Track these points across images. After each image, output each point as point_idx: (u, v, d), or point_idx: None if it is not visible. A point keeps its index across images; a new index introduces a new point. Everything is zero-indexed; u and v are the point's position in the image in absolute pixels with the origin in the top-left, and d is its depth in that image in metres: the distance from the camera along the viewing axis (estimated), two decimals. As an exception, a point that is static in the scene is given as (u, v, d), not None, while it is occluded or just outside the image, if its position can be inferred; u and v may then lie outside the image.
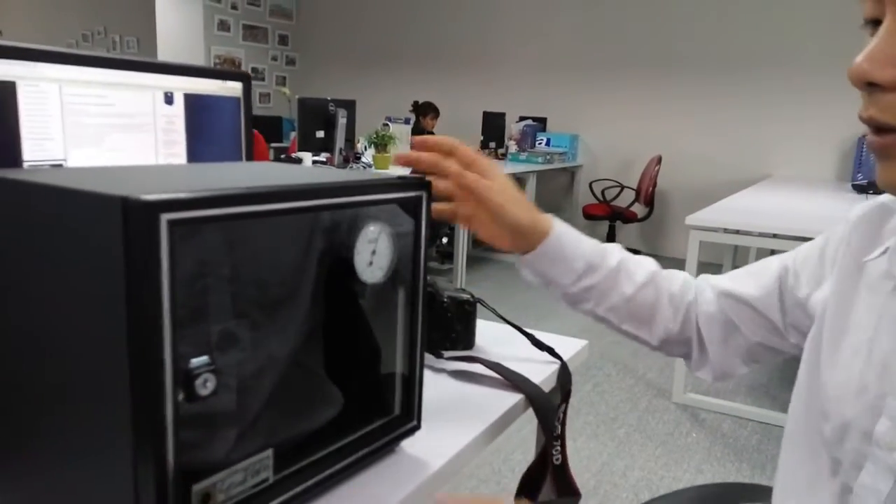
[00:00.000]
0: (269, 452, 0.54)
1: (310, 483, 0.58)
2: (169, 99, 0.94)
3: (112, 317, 0.42)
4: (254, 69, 7.18)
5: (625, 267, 0.84)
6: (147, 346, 0.42)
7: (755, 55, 5.26)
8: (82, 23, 8.66)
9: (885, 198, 0.64)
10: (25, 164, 0.77)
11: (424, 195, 0.64)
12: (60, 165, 0.81)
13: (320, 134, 4.16)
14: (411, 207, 0.63)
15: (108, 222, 0.41)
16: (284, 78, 7.61)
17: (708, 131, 5.61)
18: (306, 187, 0.53)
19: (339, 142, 4.12)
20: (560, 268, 0.82)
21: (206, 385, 0.46)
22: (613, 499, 2.16)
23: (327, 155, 4.20)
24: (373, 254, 0.61)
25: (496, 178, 0.80)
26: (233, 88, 1.03)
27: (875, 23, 0.49)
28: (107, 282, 0.42)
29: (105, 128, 0.86)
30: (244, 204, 0.47)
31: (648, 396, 2.94)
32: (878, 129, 0.49)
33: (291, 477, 0.56)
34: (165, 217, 0.41)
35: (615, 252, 0.85)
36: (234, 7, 6.99)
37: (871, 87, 0.48)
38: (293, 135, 4.68)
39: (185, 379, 0.45)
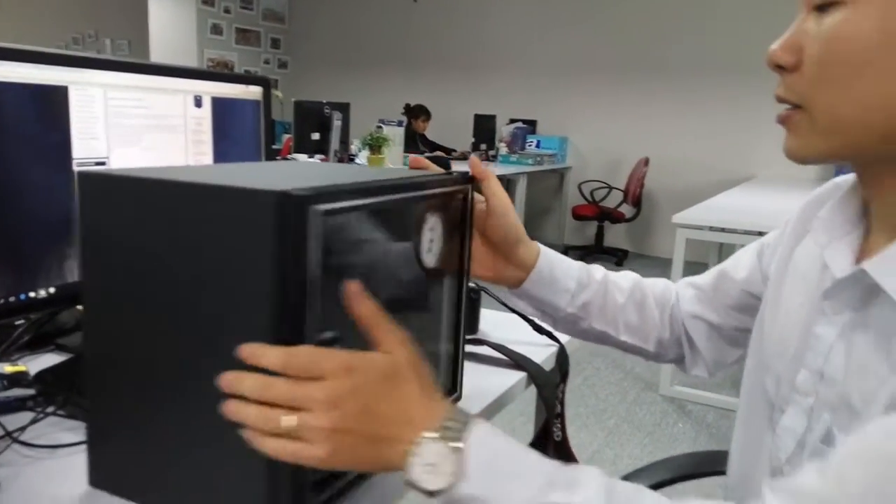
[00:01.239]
0: None
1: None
2: (198, 102, 1.02)
3: (259, 300, 0.49)
4: (246, 72, 7.24)
5: (611, 279, 0.87)
6: (291, 326, 0.49)
7: (740, 60, 5.39)
8: (73, 25, 8.67)
9: (829, 184, 0.72)
10: (75, 162, 0.85)
11: (470, 188, 0.72)
12: (104, 163, 0.89)
13: (315, 136, 4.24)
14: (460, 199, 0.72)
15: (262, 214, 0.48)
16: (277, 81, 7.68)
17: (694, 133, 5.74)
18: (404, 181, 0.61)
19: (335, 144, 4.19)
20: (554, 289, 0.83)
21: None
22: (605, 486, 2.25)
23: (322, 156, 4.27)
24: (431, 241, 0.68)
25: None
26: (254, 93, 1.11)
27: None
28: (256, 269, 0.49)
29: (142, 128, 0.94)
30: (368, 196, 0.55)
31: (636, 389, 3.03)
32: (782, 103, 0.58)
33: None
34: (314, 208, 0.48)
35: (597, 267, 0.88)
36: (226, 11, 7.05)
37: (778, 69, 0.57)
38: (285, 137, 4.75)
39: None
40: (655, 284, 0.90)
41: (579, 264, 0.86)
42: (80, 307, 0.98)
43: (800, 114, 0.56)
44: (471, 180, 0.73)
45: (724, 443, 0.77)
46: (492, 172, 0.77)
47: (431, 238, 0.68)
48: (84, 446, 0.61)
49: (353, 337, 0.52)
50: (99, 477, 0.60)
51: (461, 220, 0.73)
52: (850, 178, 0.65)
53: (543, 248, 0.84)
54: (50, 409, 0.69)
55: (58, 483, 0.62)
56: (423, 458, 0.48)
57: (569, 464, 0.51)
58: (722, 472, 0.84)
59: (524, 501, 0.48)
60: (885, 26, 0.50)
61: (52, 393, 0.71)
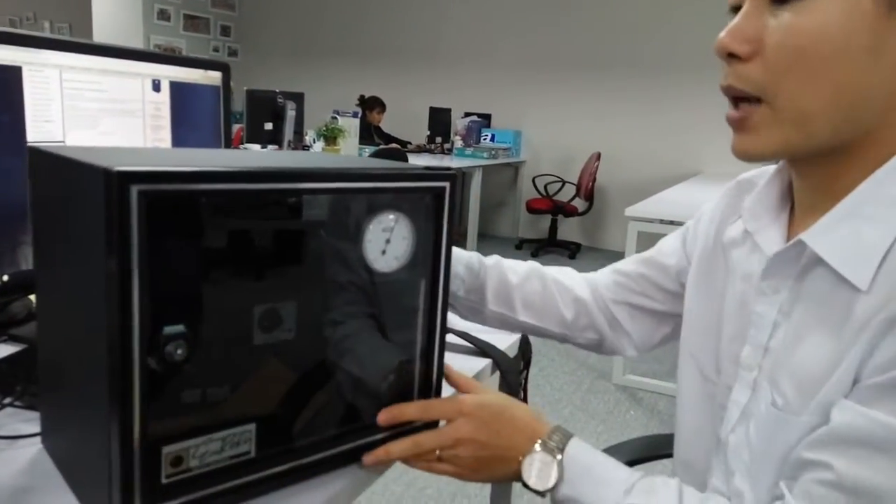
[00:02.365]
0: (252, 426, 0.56)
1: (300, 463, 0.59)
2: (156, 86, 0.99)
3: (99, 281, 0.47)
4: (195, 59, 7.05)
5: (504, 263, 0.90)
6: (119, 310, 0.46)
7: (690, 59, 5.53)
8: (9, 7, 8.28)
9: (748, 173, 0.77)
10: (29, 144, 0.82)
11: (448, 185, 0.64)
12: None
13: (268, 126, 4.16)
14: (434, 198, 0.64)
15: (99, 189, 0.45)
16: (227, 69, 7.50)
17: (644, 130, 5.87)
18: (312, 171, 0.56)
19: (288, 134, 4.13)
20: None
21: (177, 351, 0.49)
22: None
23: (275, 147, 4.20)
24: (387, 242, 0.61)
25: None
26: (213, 78, 1.09)
27: (737, 9, 0.59)
28: (98, 247, 0.46)
29: (99, 112, 0.91)
30: (229, 181, 0.50)
31: (590, 378, 3.10)
32: (735, 99, 0.58)
33: (278, 455, 0.58)
34: (137, 188, 0.45)
35: (493, 256, 0.91)
36: (174, -5, 6.85)
37: (730, 58, 0.57)
38: (236, 127, 4.65)
39: (157, 344, 0.48)
40: (559, 271, 0.92)
41: (469, 253, 0.88)
42: (32, 296, 0.96)
43: (759, 110, 0.56)
44: (443, 177, 0.65)
45: (674, 429, 0.79)
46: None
47: (387, 239, 0.61)
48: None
49: (207, 330, 0.52)
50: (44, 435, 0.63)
51: (435, 220, 0.65)
52: (769, 167, 0.69)
53: None
54: (7, 400, 0.66)
55: (18, 474, 0.60)
56: (534, 467, 0.63)
57: (643, 472, 0.63)
58: (670, 455, 0.88)
59: (610, 502, 0.60)
60: (848, 21, 0.52)
61: (8, 384, 0.69)
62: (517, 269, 0.90)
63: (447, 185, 0.64)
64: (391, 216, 0.61)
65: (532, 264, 0.92)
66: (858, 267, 0.54)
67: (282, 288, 0.57)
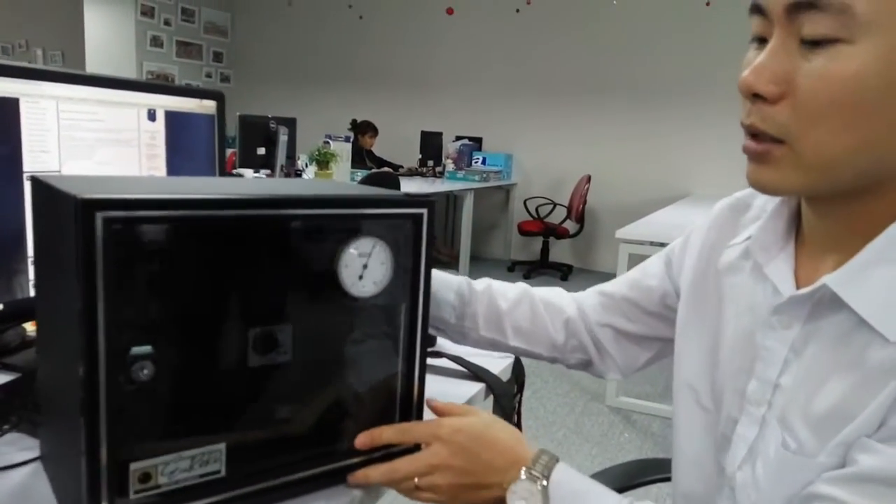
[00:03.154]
0: (222, 446, 0.57)
1: (270, 484, 0.60)
2: (152, 116, 1.01)
3: (73, 305, 0.49)
4: (188, 86, 7.10)
5: (495, 287, 0.89)
6: (88, 330, 0.48)
7: (678, 82, 5.62)
8: (1, 35, 8.33)
9: (740, 194, 0.75)
10: (25, 175, 0.83)
11: (426, 212, 0.65)
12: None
13: (261, 151, 4.18)
14: (413, 224, 0.64)
15: (70, 216, 0.48)
16: (219, 95, 7.55)
17: (634, 152, 5.93)
18: (282, 197, 0.57)
19: (280, 159, 4.15)
20: (436, 303, 0.84)
21: (143, 371, 0.51)
22: (555, 496, 2.29)
23: (267, 172, 4.22)
24: (364, 268, 0.61)
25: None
26: (208, 107, 1.10)
27: (761, 40, 0.55)
28: (72, 272, 0.49)
29: (95, 142, 0.92)
30: (189, 208, 0.52)
31: (584, 400, 3.10)
32: (755, 135, 0.56)
33: (249, 475, 0.59)
34: (101, 215, 0.47)
35: (483, 280, 0.90)
36: (167, 23, 6.91)
37: (755, 97, 0.54)
38: (229, 152, 4.67)
39: (123, 364, 0.50)
40: (548, 292, 0.92)
41: (460, 278, 0.88)
42: (25, 325, 0.96)
43: (782, 149, 0.54)
44: (421, 204, 0.65)
45: (668, 452, 0.79)
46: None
47: (364, 264, 0.62)
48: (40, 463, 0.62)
49: (174, 351, 0.54)
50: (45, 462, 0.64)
51: (413, 245, 0.66)
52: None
53: None
54: (6, 427, 0.66)
55: (14, 500, 0.60)
56: (518, 495, 0.61)
57: (632, 498, 0.61)
58: (664, 479, 0.88)
59: None
60: (889, 70, 0.49)
61: (6, 411, 0.69)
62: (507, 294, 0.90)
63: (425, 211, 0.64)
64: (369, 242, 0.61)
65: (522, 287, 0.92)
66: (888, 317, 0.52)
67: (254, 311, 0.58)
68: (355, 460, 0.66)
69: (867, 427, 0.52)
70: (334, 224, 0.60)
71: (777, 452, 0.59)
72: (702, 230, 0.79)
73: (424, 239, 0.65)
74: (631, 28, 5.82)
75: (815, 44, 0.50)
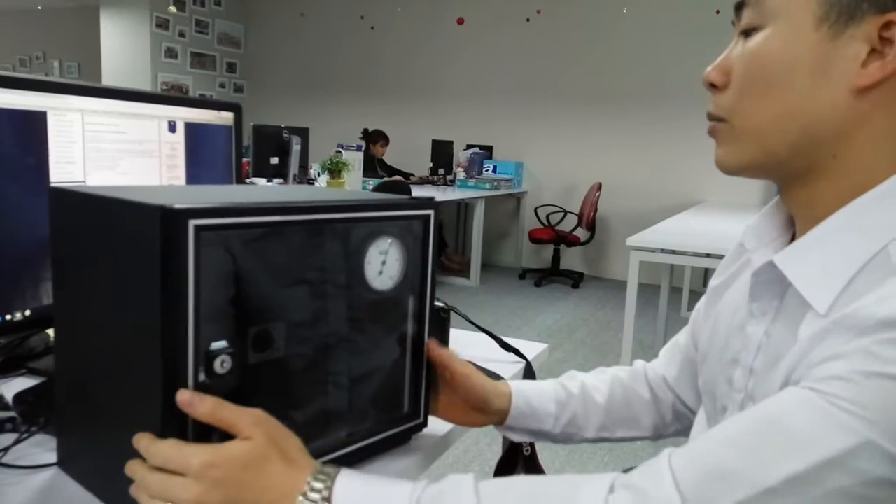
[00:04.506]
0: None
1: (325, 460, 0.64)
2: (172, 127, 1.03)
3: (151, 306, 0.52)
4: (201, 96, 7.18)
5: (587, 385, 0.87)
6: (174, 332, 0.51)
7: (689, 90, 5.62)
8: (20, 47, 8.48)
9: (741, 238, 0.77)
10: (51, 185, 0.86)
11: (433, 213, 0.72)
12: (80, 186, 0.90)
13: (274, 160, 4.23)
14: (421, 224, 0.72)
15: (150, 227, 0.51)
16: (232, 105, 7.62)
17: (645, 160, 5.93)
18: (326, 203, 0.63)
19: (294, 168, 4.20)
20: (537, 418, 0.84)
21: (223, 365, 0.54)
22: None
23: (280, 180, 4.27)
24: (383, 264, 0.68)
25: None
26: (226, 118, 1.13)
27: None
28: (148, 276, 0.52)
29: (118, 153, 0.95)
30: (265, 215, 0.57)
31: (596, 409, 3.09)
32: (710, 119, 0.66)
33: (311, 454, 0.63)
34: (193, 222, 0.51)
35: (573, 377, 0.89)
36: (181, 35, 7.00)
37: (712, 87, 0.64)
38: (243, 161, 4.72)
39: (205, 359, 0.53)
40: (634, 372, 0.91)
41: (553, 384, 0.87)
42: (50, 330, 0.99)
43: (724, 125, 0.64)
44: (427, 206, 0.72)
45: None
46: (448, 353, 0.78)
47: (383, 261, 0.69)
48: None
49: (243, 345, 0.57)
50: (63, 460, 0.66)
51: (422, 243, 0.72)
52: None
53: (514, 386, 0.84)
54: (34, 429, 0.69)
55: (45, 501, 0.62)
56: None
57: (436, 480, 0.56)
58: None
59: None
60: (789, 47, 0.58)
61: (33, 414, 0.72)
62: (601, 387, 0.88)
63: (431, 212, 0.72)
64: (386, 241, 0.68)
65: (612, 375, 0.90)
66: (822, 292, 0.56)
67: (299, 306, 0.62)
68: (409, 424, 0.75)
69: None
70: (363, 225, 0.67)
71: None
72: (721, 266, 0.81)
73: (432, 237, 0.73)
74: (641, 36, 5.84)
75: (747, 34, 0.61)
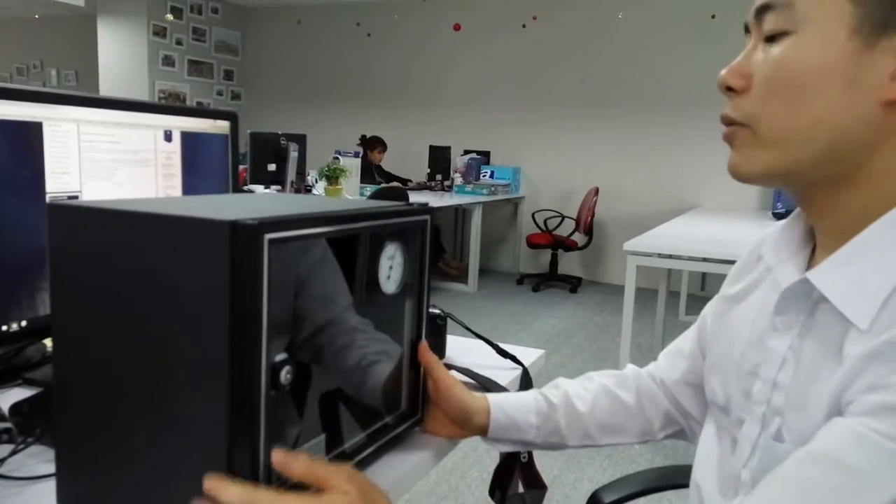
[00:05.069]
0: (323, 438, 0.64)
1: (350, 464, 0.67)
2: (168, 137, 1.04)
3: (215, 323, 0.50)
4: (199, 104, 7.20)
5: (572, 393, 0.88)
6: (247, 346, 0.51)
7: (686, 95, 5.64)
8: (17, 56, 8.49)
9: (756, 243, 0.78)
10: (48, 196, 0.86)
11: (429, 218, 0.75)
12: (76, 197, 0.90)
13: (272, 167, 4.24)
14: (419, 228, 0.75)
15: (217, 242, 0.50)
16: (229, 112, 7.63)
17: (641, 165, 5.95)
18: (360, 211, 0.64)
19: (291, 174, 4.20)
20: (519, 429, 0.85)
21: (286, 376, 0.55)
22: (565, 509, 2.29)
23: (278, 187, 4.27)
24: (390, 268, 0.71)
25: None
26: (222, 127, 1.14)
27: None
28: (211, 293, 0.51)
29: (114, 163, 0.96)
30: (323, 225, 0.58)
31: (594, 414, 3.09)
32: (728, 123, 0.63)
33: (337, 457, 0.66)
34: (267, 236, 0.51)
35: (557, 386, 0.90)
36: (178, 43, 7.02)
37: (729, 91, 0.62)
38: (240, 168, 4.73)
39: (272, 371, 0.54)
40: (622, 376, 0.91)
41: (534, 395, 0.88)
42: (46, 340, 0.99)
43: (745, 131, 0.61)
44: (428, 211, 0.76)
45: (680, 462, 0.81)
46: (435, 360, 0.80)
47: (391, 265, 0.71)
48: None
49: (300, 356, 0.59)
50: (66, 497, 0.61)
51: (420, 248, 0.76)
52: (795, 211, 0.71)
53: (492, 400, 0.85)
54: (30, 440, 0.69)
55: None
56: None
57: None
58: (681, 486, 0.89)
59: None
60: (823, 54, 0.56)
61: (30, 425, 0.72)
62: (584, 397, 0.88)
63: (428, 217, 0.76)
64: (393, 247, 0.71)
65: (597, 383, 0.91)
66: (861, 307, 0.55)
67: (338, 313, 0.65)
68: (409, 422, 0.78)
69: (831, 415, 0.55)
70: (379, 232, 0.70)
71: (767, 443, 0.61)
72: (739, 260, 0.81)
73: (428, 240, 0.77)
74: (637, 41, 5.86)
75: (771, 39, 0.59)
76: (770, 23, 0.59)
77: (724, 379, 0.73)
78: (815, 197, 0.62)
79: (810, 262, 0.66)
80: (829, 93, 0.56)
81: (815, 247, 0.67)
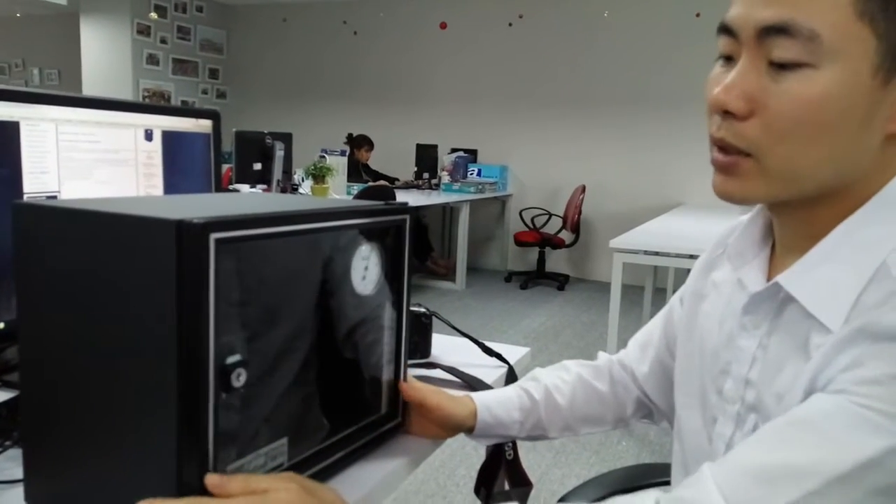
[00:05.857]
0: (285, 440, 0.62)
1: (318, 467, 0.67)
2: (148, 136, 1.03)
3: (162, 322, 0.50)
4: (184, 102, 7.14)
5: (550, 387, 0.91)
6: (194, 348, 0.50)
7: (671, 95, 5.67)
8: (-2, 54, 8.38)
9: (719, 238, 0.79)
10: (25, 196, 0.85)
11: (408, 218, 0.74)
12: (55, 197, 0.89)
13: (257, 166, 4.21)
14: (397, 228, 0.74)
15: (163, 242, 0.49)
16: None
17: (627, 162, 5.97)
18: (319, 210, 0.63)
19: (277, 173, 4.18)
20: (504, 426, 0.88)
21: (238, 378, 0.54)
22: (553, 506, 2.29)
23: (264, 186, 4.25)
24: (365, 269, 0.70)
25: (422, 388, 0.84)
26: (204, 126, 1.13)
27: (728, 59, 0.59)
28: (159, 292, 0.50)
29: (93, 162, 0.94)
30: (274, 225, 0.57)
31: (582, 411, 3.10)
32: (723, 148, 0.59)
33: (303, 462, 0.65)
34: (214, 236, 0.50)
35: (538, 380, 0.92)
36: (163, 41, 6.95)
37: (726, 114, 0.57)
38: (225, 167, 4.70)
39: (222, 373, 0.53)
40: (598, 369, 0.94)
41: (516, 391, 0.89)
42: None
43: (749, 161, 0.57)
44: (407, 211, 0.75)
45: (667, 457, 0.81)
46: (420, 391, 0.82)
47: (366, 266, 0.70)
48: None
49: (259, 361, 0.57)
50: (33, 498, 0.62)
51: (398, 248, 0.75)
52: (753, 210, 0.72)
53: (478, 401, 0.86)
54: (8, 444, 0.68)
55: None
56: None
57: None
58: (658, 483, 0.89)
59: None
60: (849, 93, 0.53)
61: (7, 428, 0.71)
62: (563, 390, 0.91)
63: (407, 217, 0.75)
64: (368, 246, 0.70)
65: (576, 374, 0.93)
66: (831, 309, 0.56)
67: (304, 315, 0.63)
68: (389, 425, 0.77)
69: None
70: (350, 232, 0.68)
71: (745, 438, 0.61)
72: (703, 255, 0.83)
73: (407, 240, 0.75)
74: (622, 40, 5.88)
75: (782, 66, 0.55)
76: (784, 50, 0.54)
77: (698, 379, 0.73)
78: (794, 208, 0.62)
79: (771, 260, 0.67)
80: (847, 130, 0.55)
81: (774, 243, 0.68)
